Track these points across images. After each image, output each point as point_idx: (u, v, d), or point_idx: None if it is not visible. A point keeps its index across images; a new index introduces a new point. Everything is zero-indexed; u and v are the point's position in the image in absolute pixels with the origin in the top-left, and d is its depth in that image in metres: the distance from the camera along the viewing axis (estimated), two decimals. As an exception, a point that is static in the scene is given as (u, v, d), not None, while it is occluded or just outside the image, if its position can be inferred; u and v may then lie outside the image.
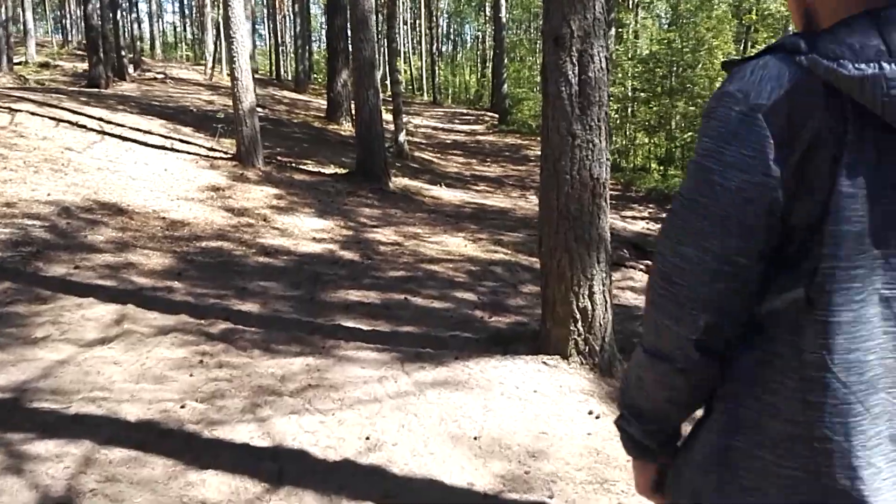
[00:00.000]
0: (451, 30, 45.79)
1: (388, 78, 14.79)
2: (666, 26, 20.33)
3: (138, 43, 30.79)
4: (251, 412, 3.80)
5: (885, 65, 0.91)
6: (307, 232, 7.80)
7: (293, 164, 10.79)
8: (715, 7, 15.27)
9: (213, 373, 4.25)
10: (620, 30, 18.26)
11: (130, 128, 10.52)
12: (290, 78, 25.99)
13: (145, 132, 10.50)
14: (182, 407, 3.78)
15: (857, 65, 0.91)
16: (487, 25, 33.98)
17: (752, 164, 0.96)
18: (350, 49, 11.66)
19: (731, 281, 1.00)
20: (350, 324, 5.27)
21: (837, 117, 0.93)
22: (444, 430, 3.75)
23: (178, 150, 9.93)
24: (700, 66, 14.61)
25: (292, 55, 27.77)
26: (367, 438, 3.62)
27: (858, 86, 0.91)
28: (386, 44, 15.72)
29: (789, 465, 0.99)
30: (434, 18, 35.49)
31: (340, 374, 4.38)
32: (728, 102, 0.99)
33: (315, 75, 24.52)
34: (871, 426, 0.97)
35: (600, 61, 4.37)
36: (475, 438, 3.69)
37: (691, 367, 1.06)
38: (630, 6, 20.70)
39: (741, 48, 16.24)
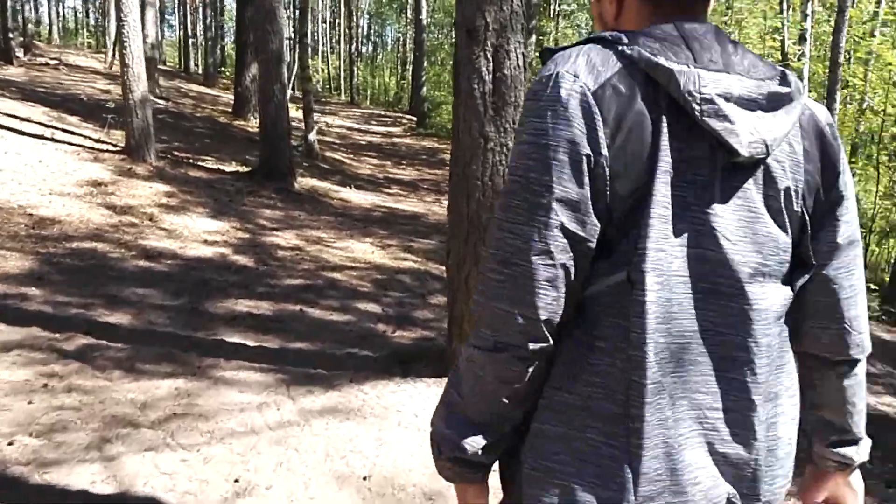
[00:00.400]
0: (372, 30, 45.13)
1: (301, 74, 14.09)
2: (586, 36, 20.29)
3: (31, 27, 28.97)
4: (98, 449, 3.20)
5: (693, 68, 1.01)
6: (198, 234, 7.14)
7: (190, 161, 10.02)
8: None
9: (58, 399, 3.61)
10: (541, 38, 18.11)
11: (5, 114, 9.52)
12: (200, 71, 24.93)
13: (23, 120, 9.53)
14: (10, 444, 3.14)
15: (671, 63, 1.00)
16: (408, 28, 33.56)
17: (585, 141, 0.99)
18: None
19: (570, 256, 1.01)
20: (234, 339, 4.70)
21: (655, 107, 1.00)
22: (330, 469, 3.25)
23: (58, 141, 9.04)
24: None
25: (203, 47, 26.66)
26: (237, 481, 3.08)
27: (675, 79, 0.99)
28: (298, 39, 15.01)
29: (613, 443, 1.02)
30: (354, 18, 34.83)
31: (214, 399, 3.81)
32: (559, 82, 1.01)
33: (225, 69, 23.51)
34: (670, 409, 1.02)
35: (517, 58, 4.00)
36: (365, 478, 3.20)
37: (537, 351, 1.03)
38: (551, 15, 20.63)
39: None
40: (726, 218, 1.03)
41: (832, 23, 11.84)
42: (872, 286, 9.93)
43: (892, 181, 12.71)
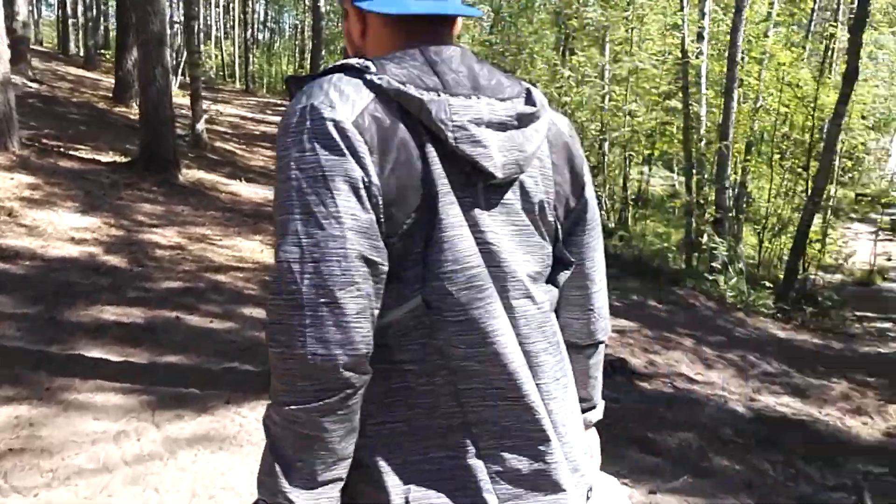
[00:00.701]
0: (269, 17, 43.69)
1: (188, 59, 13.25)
2: (488, 29, 20.22)
3: None
4: None
5: (443, 95, 1.04)
6: (64, 231, 6.43)
7: (61, 149, 9.16)
8: (536, 12, 15.17)
9: None
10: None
11: None
12: (82, 53, 23.39)
13: None
14: None
15: (420, 92, 1.03)
16: (306, 15, 32.63)
17: (360, 170, 0.99)
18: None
19: (371, 284, 0.99)
20: (95, 353, 4.15)
21: (416, 133, 1.03)
22: (196, 512, 2.80)
23: None
24: (520, 71, 14.48)
25: (84, 28, 25.01)
26: (80, 532, 2.60)
27: (426, 108, 1.02)
28: (185, 22, 14.15)
29: (456, 454, 1.06)
30: (249, 3, 33.58)
31: (63, 429, 3.28)
32: (319, 114, 1.00)
33: (107, 51, 22.10)
34: (508, 411, 1.09)
35: None
36: (237, 521, 2.78)
37: (363, 384, 1.01)
38: (452, 6, 20.29)
39: (560, 54, 16.34)
40: (499, 233, 1.09)
41: (728, 22, 12.05)
42: (767, 283, 10.12)
43: (783, 179, 13.11)
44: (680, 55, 12.23)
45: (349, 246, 0.97)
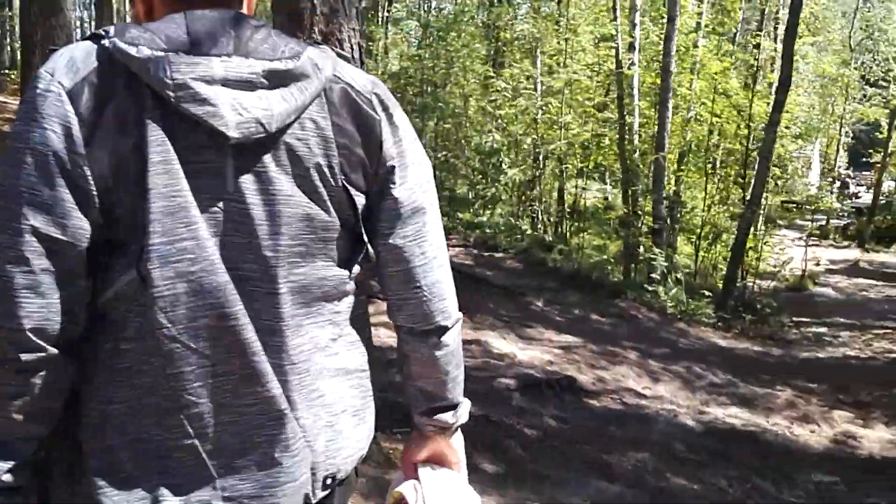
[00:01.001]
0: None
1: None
2: (416, 44, 20.15)
3: None
4: None
5: (182, 54, 0.99)
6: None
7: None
8: (465, 24, 15.15)
9: None
10: (371, 43, 17.60)
11: None
12: (-10, 74, 22.32)
13: None
14: None
15: (150, 52, 0.98)
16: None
17: (59, 141, 0.98)
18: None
19: (50, 262, 0.99)
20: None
21: (138, 99, 0.99)
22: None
23: None
24: (450, 85, 14.42)
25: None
26: None
27: (144, 67, 0.98)
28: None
29: (175, 434, 1.05)
30: (171, 20, 32.84)
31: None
32: (37, 82, 1.00)
33: (13, 72, 21.21)
34: (227, 392, 1.06)
35: (352, 49, 3.43)
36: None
37: (33, 361, 1.00)
38: (380, 22, 20.23)
39: (492, 67, 16.32)
40: (246, 202, 1.04)
41: (659, 33, 12.20)
42: (705, 292, 10.16)
43: (717, 188, 13.32)
44: (613, 66, 12.30)
45: (22, 221, 0.97)
